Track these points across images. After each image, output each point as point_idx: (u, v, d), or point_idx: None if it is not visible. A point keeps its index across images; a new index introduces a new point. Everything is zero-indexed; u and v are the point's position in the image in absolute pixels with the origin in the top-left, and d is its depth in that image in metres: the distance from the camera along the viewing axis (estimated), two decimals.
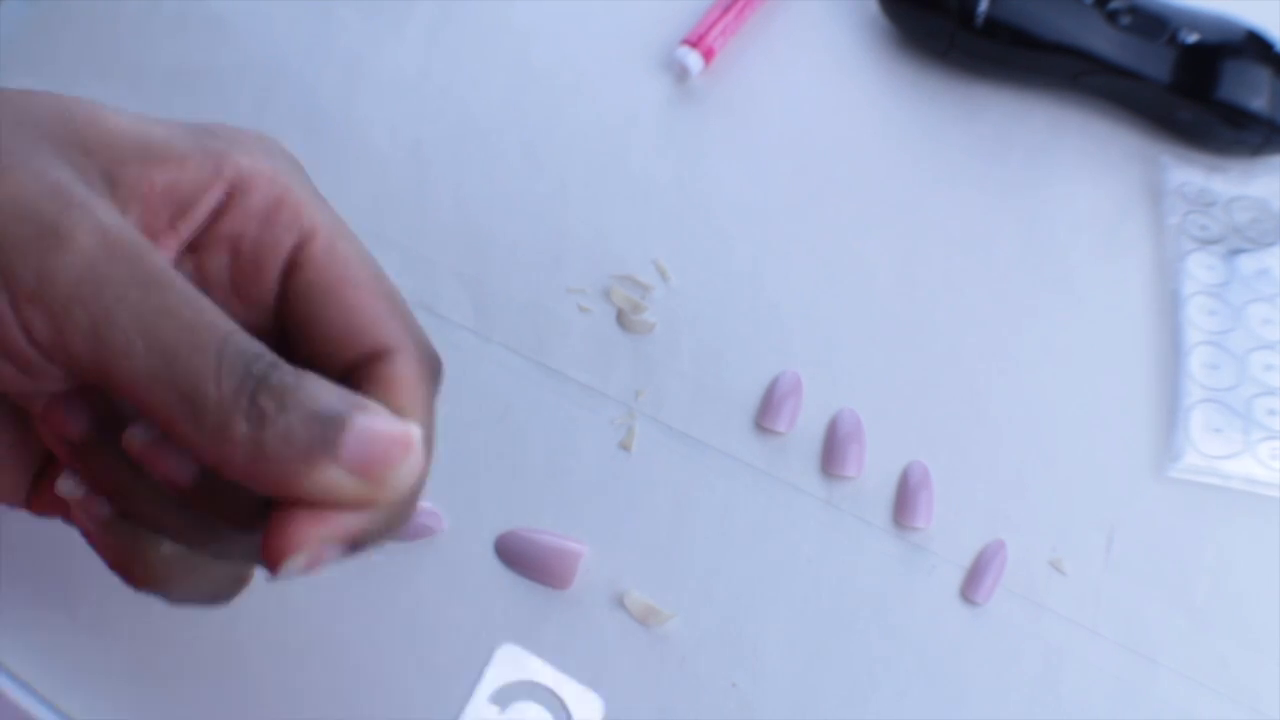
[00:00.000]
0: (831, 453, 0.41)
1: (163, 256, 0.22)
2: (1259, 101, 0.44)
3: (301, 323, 0.25)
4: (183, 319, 0.21)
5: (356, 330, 0.24)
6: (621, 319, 0.44)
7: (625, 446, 0.42)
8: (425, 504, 0.41)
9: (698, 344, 0.44)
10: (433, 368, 0.25)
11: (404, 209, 0.47)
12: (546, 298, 0.45)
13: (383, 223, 0.47)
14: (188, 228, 0.25)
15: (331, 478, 0.21)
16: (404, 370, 0.24)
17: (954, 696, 0.37)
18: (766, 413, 0.42)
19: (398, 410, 0.23)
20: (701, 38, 0.49)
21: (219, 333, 0.21)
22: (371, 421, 0.21)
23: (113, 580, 0.25)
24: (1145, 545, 0.39)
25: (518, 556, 0.40)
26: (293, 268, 0.25)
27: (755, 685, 0.38)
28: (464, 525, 0.41)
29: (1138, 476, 0.41)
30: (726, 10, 0.50)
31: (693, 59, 0.49)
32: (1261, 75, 0.44)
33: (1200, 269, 0.44)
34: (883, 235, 0.46)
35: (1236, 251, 0.44)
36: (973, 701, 0.37)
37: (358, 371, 0.24)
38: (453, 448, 0.42)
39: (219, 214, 0.25)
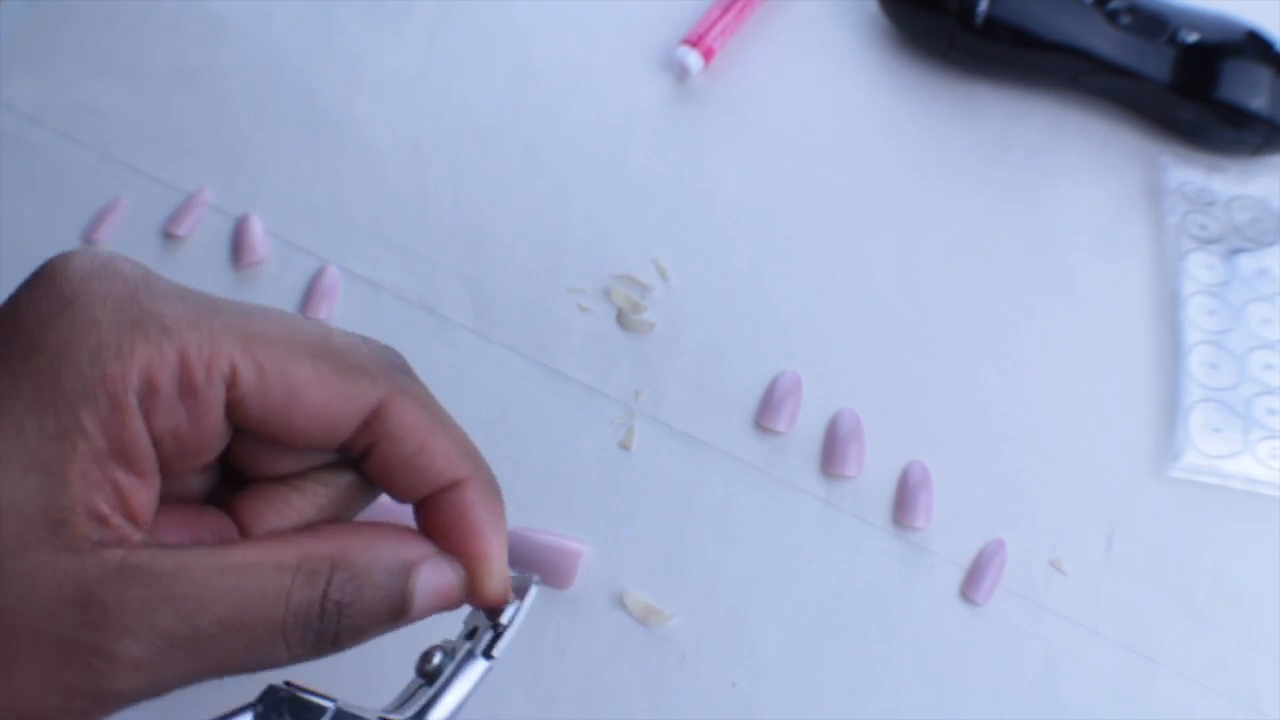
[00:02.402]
0: (831, 452, 0.41)
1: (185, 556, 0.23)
2: (1259, 101, 0.44)
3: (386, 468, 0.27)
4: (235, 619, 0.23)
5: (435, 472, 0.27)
6: (621, 319, 0.44)
7: (625, 446, 0.42)
8: None
9: (698, 344, 0.44)
10: (495, 489, 0.28)
11: (404, 209, 0.47)
12: (546, 298, 0.45)
13: (383, 223, 0.47)
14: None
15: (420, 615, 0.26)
16: (472, 495, 0.27)
17: (954, 696, 0.37)
18: (766, 412, 0.42)
19: (469, 526, 0.27)
20: (701, 37, 0.49)
21: (275, 619, 0.23)
22: (424, 589, 0.26)
23: None
24: (1145, 545, 0.39)
25: (518, 556, 0.40)
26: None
27: (755, 685, 0.38)
28: None
29: (1138, 476, 0.41)
30: (726, 10, 0.50)
31: (693, 59, 0.49)
32: (1261, 75, 0.44)
33: (1200, 268, 0.44)
34: (883, 235, 0.46)
35: (1236, 251, 0.44)
36: (973, 701, 0.37)
37: (436, 499, 0.27)
38: None
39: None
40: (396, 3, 0.52)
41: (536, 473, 0.41)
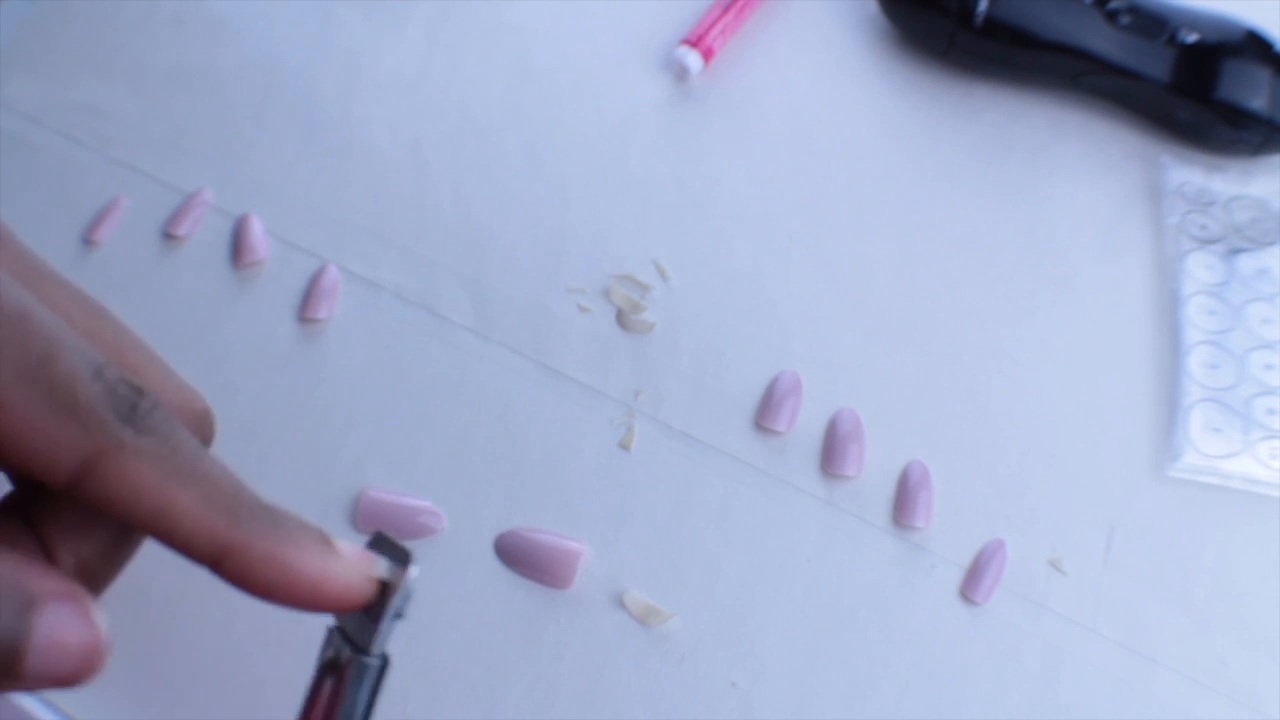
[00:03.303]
0: (831, 452, 0.41)
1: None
2: (1258, 101, 0.44)
3: None
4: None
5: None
6: (621, 319, 0.44)
7: (625, 446, 0.42)
8: (425, 503, 0.41)
9: (697, 344, 0.44)
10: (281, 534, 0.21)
11: (404, 209, 0.47)
12: (546, 298, 0.45)
13: (383, 223, 0.47)
14: None
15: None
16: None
17: (954, 696, 0.37)
18: (766, 412, 0.42)
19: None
20: (701, 37, 0.49)
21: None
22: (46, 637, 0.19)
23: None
24: (1145, 545, 0.39)
25: (518, 556, 0.40)
26: None
27: (755, 685, 0.38)
28: (464, 525, 0.41)
29: (1137, 476, 0.41)
30: (726, 10, 0.50)
31: (692, 59, 0.49)
32: (1261, 75, 0.44)
33: (1200, 268, 0.44)
34: (883, 235, 0.46)
35: (1236, 251, 0.44)
36: (973, 701, 0.37)
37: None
38: (453, 448, 0.42)
39: None
40: (396, 3, 0.52)
41: (536, 473, 0.41)
